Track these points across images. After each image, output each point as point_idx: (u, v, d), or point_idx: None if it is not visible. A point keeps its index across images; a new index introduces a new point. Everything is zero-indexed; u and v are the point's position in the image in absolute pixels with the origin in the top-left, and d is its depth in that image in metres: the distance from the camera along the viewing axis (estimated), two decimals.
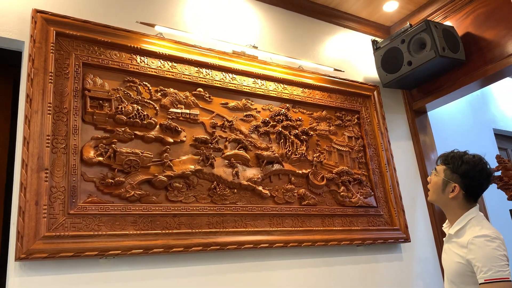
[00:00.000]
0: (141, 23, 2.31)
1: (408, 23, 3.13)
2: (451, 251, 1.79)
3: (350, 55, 3.35)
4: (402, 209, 2.94)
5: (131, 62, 2.23)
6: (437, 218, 3.17)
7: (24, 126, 1.84)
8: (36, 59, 1.94)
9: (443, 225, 1.94)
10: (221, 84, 2.51)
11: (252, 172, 2.45)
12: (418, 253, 3.01)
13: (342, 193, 2.72)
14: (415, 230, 3.05)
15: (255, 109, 2.62)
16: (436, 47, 2.85)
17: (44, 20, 2.02)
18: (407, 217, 2.96)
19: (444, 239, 1.89)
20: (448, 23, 3.23)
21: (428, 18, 3.28)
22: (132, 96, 2.19)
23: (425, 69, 3.01)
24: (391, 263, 2.83)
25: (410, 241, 2.90)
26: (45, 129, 1.87)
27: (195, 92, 2.41)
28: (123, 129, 2.08)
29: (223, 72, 2.54)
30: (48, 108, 1.90)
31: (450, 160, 1.84)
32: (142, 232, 1.95)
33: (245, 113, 2.57)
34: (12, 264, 1.70)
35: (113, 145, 2.03)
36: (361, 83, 3.19)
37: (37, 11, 2.02)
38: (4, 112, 2.21)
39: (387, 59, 3.14)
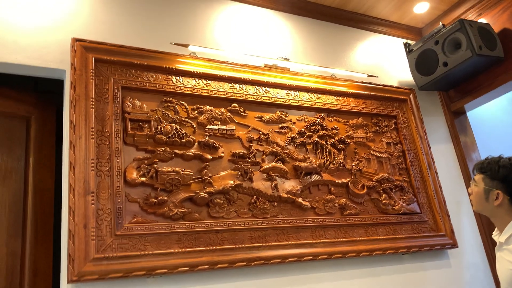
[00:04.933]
0: (175, 44, 2.36)
1: (441, 24, 3.06)
2: (504, 259, 1.73)
3: (383, 60, 3.31)
4: (447, 214, 2.86)
5: (167, 82, 2.27)
6: (484, 221, 3.06)
7: (70, 152, 1.90)
8: (78, 86, 2.01)
9: (493, 233, 1.89)
10: (255, 98, 2.53)
11: (291, 184, 2.44)
12: (466, 259, 2.90)
13: (384, 201, 2.67)
14: (462, 235, 2.95)
15: (290, 120, 2.62)
16: (472, 46, 2.77)
17: (83, 48, 2.09)
18: (453, 222, 2.87)
19: (495, 248, 1.83)
20: (483, 20, 3.14)
21: (462, 17, 3.20)
22: (170, 115, 2.23)
23: (462, 69, 2.93)
24: (439, 270, 2.74)
25: (457, 247, 2.80)
26: (89, 153, 1.92)
27: (230, 107, 2.44)
28: (163, 148, 2.12)
29: (256, 86, 2.56)
30: (91, 132, 1.96)
31: (486, 167, 1.81)
32: (187, 249, 1.97)
33: (280, 125, 2.58)
34: (64, 287, 1.75)
35: (155, 165, 2.07)
36: (396, 87, 3.14)
37: (76, 40, 2.10)
38: (49, 138, 2.29)
39: (422, 62, 3.08)
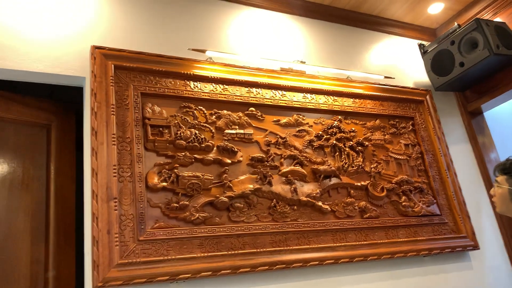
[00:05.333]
0: (193, 49, 2.38)
1: (456, 24, 3.04)
2: None
3: (398, 61, 3.29)
4: (467, 215, 2.83)
5: (186, 88, 2.28)
6: (505, 222, 3.02)
7: (92, 158, 1.91)
8: (98, 93, 2.02)
9: None
10: (271, 102, 2.53)
11: (310, 188, 2.43)
12: (488, 261, 2.86)
13: (403, 203, 2.64)
14: (483, 236, 2.91)
15: (307, 123, 2.62)
16: (490, 45, 2.75)
17: (102, 55, 2.11)
18: (473, 223, 2.84)
19: None
20: (498, 19, 3.11)
21: (477, 17, 3.17)
22: (189, 121, 2.24)
23: (479, 69, 2.90)
24: (461, 272, 2.71)
25: (479, 249, 2.77)
26: (111, 159, 1.93)
27: (247, 112, 2.44)
28: (183, 153, 2.13)
29: (272, 90, 2.56)
30: (113, 139, 1.97)
31: (509, 168, 1.80)
32: (209, 254, 1.97)
33: (297, 129, 2.57)
34: None
35: (175, 170, 2.08)
36: (412, 88, 3.13)
37: (96, 47, 2.11)
38: (69, 145, 2.31)
39: (437, 62, 3.05)
